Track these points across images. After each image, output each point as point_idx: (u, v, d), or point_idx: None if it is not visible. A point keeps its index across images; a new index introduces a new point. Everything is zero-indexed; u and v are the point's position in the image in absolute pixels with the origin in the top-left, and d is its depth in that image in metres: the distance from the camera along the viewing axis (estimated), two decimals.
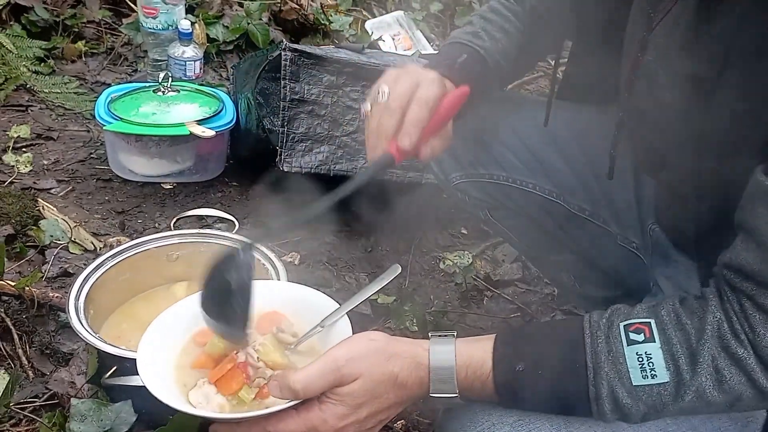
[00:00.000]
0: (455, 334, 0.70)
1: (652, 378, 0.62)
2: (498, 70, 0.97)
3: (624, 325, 0.65)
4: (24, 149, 1.71)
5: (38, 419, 0.99)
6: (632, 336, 0.64)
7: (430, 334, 0.70)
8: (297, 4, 2.33)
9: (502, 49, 0.98)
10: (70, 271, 1.32)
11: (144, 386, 0.71)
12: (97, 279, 1.07)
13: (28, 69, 1.98)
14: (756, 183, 0.60)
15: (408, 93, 0.77)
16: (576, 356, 0.65)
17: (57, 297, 1.21)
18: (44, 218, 1.43)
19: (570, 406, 0.66)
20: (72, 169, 1.68)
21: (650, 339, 0.63)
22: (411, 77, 0.79)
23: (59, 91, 1.95)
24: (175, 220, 1.22)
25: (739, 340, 0.61)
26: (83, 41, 2.19)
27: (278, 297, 0.85)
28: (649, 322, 0.64)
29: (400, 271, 0.83)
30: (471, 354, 0.68)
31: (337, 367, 0.66)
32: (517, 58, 1.00)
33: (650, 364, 0.63)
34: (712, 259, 0.67)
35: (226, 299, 0.71)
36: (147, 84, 1.71)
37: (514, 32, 0.99)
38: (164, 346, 0.78)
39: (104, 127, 1.56)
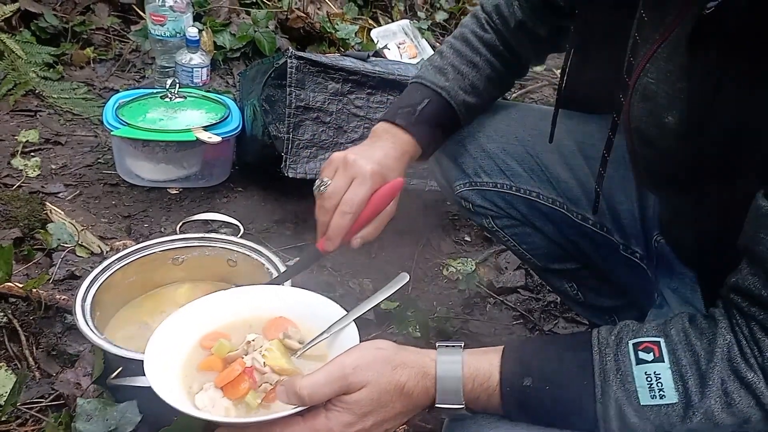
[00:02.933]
0: (462, 345, 0.70)
1: (661, 398, 0.62)
2: (464, 108, 1.01)
3: (633, 344, 0.65)
4: (32, 154, 1.73)
5: (45, 418, 1.00)
6: (641, 355, 0.64)
7: (437, 344, 0.70)
8: (303, 12, 2.36)
9: (469, 84, 1.02)
10: (77, 274, 1.33)
11: (150, 387, 0.72)
12: (103, 282, 1.08)
13: (37, 75, 2.01)
14: (757, 208, 0.60)
15: (341, 192, 0.87)
16: (584, 373, 0.65)
17: (64, 299, 1.22)
18: (52, 222, 1.44)
19: (577, 422, 0.66)
20: (79, 174, 1.69)
21: (659, 359, 0.63)
22: (347, 173, 0.87)
23: (68, 96, 1.97)
24: (180, 224, 1.23)
25: (748, 364, 0.61)
26: (92, 48, 2.21)
27: (285, 303, 0.86)
28: (659, 342, 0.64)
29: (408, 279, 0.83)
30: (478, 366, 0.68)
31: (344, 375, 0.66)
32: (486, 88, 1.03)
33: (659, 385, 0.63)
34: (715, 274, 0.67)
35: None
36: (154, 90, 1.73)
37: (483, 64, 1.03)
38: (171, 348, 0.78)
39: (112, 133, 1.58)
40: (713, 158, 0.67)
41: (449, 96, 1.00)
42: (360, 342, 0.74)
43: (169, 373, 0.76)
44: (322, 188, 0.88)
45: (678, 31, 0.71)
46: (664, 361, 0.63)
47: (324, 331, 0.79)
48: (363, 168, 0.87)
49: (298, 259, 0.94)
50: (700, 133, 0.67)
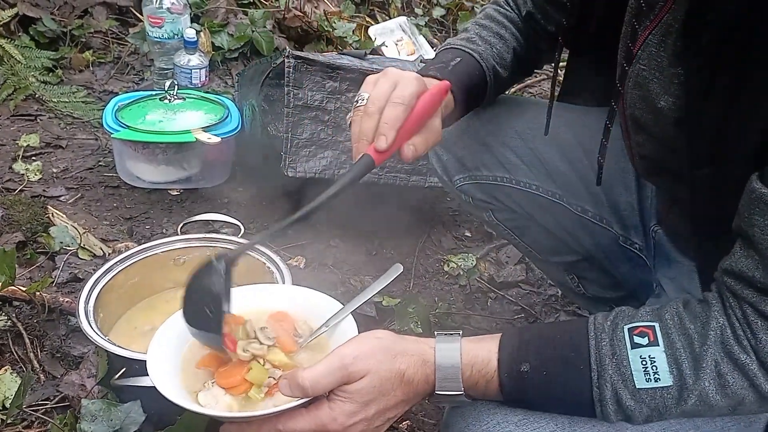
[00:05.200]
0: (461, 333, 0.71)
1: (656, 381, 0.63)
2: (493, 74, 0.99)
3: (628, 328, 0.65)
4: (33, 158, 1.74)
5: (50, 420, 1.00)
6: (636, 339, 0.65)
7: (435, 333, 0.71)
8: (301, 11, 2.36)
9: (498, 53, 1.00)
10: (80, 277, 1.34)
11: (153, 387, 0.73)
12: (106, 283, 1.09)
13: (37, 79, 2.02)
14: (751, 191, 0.61)
15: (386, 95, 0.78)
16: (580, 358, 0.66)
17: (67, 302, 1.23)
18: (54, 225, 1.45)
19: (574, 406, 0.67)
20: (81, 177, 1.70)
21: (654, 343, 0.64)
22: (389, 79, 0.80)
23: (67, 100, 1.98)
24: (182, 225, 1.24)
25: (741, 346, 0.62)
26: (90, 51, 2.22)
27: (283, 299, 0.87)
28: (654, 326, 0.65)
29: (401, 270, 0.83)
30: (476, 353, 0.69)
31: (344, 365, 0.67)
32: (512, 61, 1.01)
33: (654, 368, 0.63)
34: (712, 262, 0.68)
35: (202, 307, 0.73)
36: (153, 92, 1.73)
37: (509, 37, 1.01)
38: (172, 348, 0.79)
39: (112, 135, 1.58)
40: (708, 143, 0.67)
41: (480, 58, 0.96)
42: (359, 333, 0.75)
43: (171, 371, 0.76)
44: (361, 101, 0.79)
45: (668, 17, 0.71)
46: (658, 345, 0.64)
47: (322, 325, 0.80)
48: (406, 74, 0.81)
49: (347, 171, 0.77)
50: (695, 118, 0.68)
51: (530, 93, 2.50)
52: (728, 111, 0.64)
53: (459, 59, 0.95)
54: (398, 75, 0.80)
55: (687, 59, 0.68)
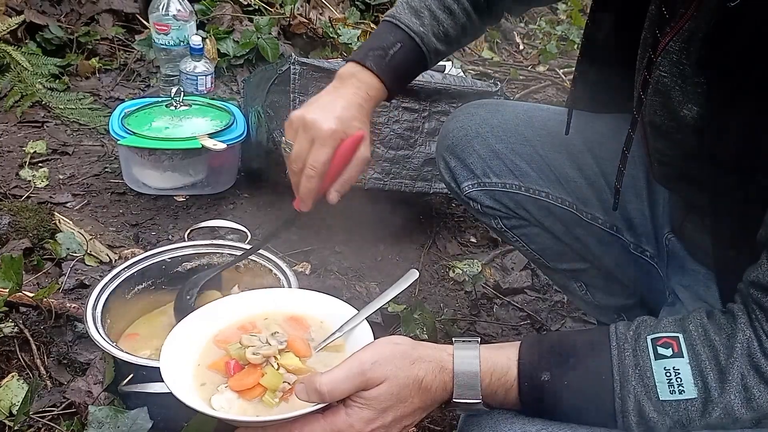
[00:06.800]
0: (479, 340, 0.70)
1: (680, 393, 0.62)
2: (434, 55, 1.01)
3: (652, 339, 0.65)
4: (40, 164, 1.75)
5: (57, 427, 1.00)
6: (660, 350, 0.64)
7: (453, 340, 0.70)
8: (306, 18, 2.37)
9: (443, 31, 1.00)
10: (86, 283, 1.34)
11: (162, 393, 0.72)
12: (113, 290, 1.09)
13: (44, 86, 2.03)
14: None
15: (303, 155, 0.89)
16: (602, 368, 0.65)
17: (74, 308, 1.23)
18: (61, 231, 1.45)
19: (595, 417, 0.66)
20: (87, 183, 1.70)
21: (678, 354, 0.63)
22: (307, 135, 0.89)
23: (74, 107, 1.99)
24: (188, 231, 1.24)
25: None
26: (97, 58, 2.23)
27: (299, 303, 0.87)
28: (678, 337, 0.64)
29: (417, 276, 0.83)
30: (495, 361, 0.68)
31: (362, 371, 0.66)
32: (458, 36, 1.02)
33: (678, 380, 0.63)
34: (731, 270, 0.67)
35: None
36: (159, 99, 1.74)
37: (460, 13, 1.01)
38: (185, 352, 0.79)
39: (118, 142, 1.59)
40: (733, 151, 0.66)
41: (422, 42, 0.98)
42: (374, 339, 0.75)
43: (185, 375, 0.76)
44: (286, 150, 0.92)
45: (690, 24, 0.70)
46: (683, 357, 0.63)
47: (337, 330, 0.80)
48: (321, 129, 0.88)
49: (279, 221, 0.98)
50: (720, 126, 0.67)
51: (535, 99, 2.50)
52: (755, 119, 0.63)
53: (400, 45, 0.96)
54: (315, 131, 0.88)
55: (711, 67, 0.67)
